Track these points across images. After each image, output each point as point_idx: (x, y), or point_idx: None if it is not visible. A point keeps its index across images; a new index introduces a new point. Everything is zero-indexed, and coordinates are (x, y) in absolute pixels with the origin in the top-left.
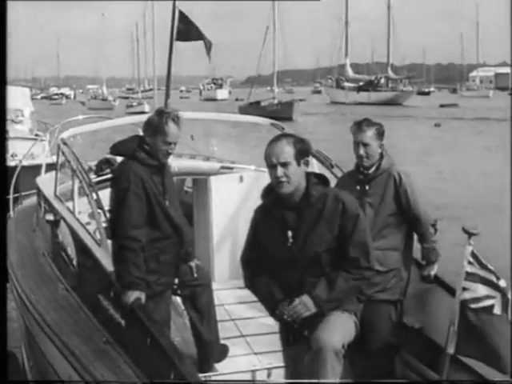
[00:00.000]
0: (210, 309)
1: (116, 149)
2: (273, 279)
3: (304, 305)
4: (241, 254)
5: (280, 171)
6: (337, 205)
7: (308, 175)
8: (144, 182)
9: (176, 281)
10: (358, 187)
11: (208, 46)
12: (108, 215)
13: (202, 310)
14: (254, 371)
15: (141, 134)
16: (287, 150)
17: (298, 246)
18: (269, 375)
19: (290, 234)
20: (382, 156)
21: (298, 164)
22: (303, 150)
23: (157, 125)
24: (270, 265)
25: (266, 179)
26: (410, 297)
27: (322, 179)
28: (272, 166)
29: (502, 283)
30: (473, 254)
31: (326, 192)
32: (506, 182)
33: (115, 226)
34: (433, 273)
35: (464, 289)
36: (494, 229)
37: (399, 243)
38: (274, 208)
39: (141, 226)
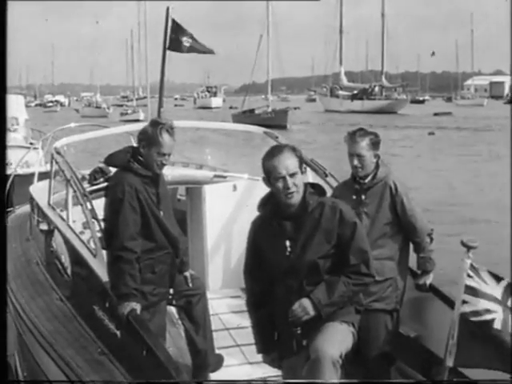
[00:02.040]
0: (205, 318)
1: (110, 160)
2: (271, 290)
3: (303, 308)
4: (243, 268)
5: (290, 182)
6: (334, 213)
7: (304, 185)
8: (138, 193)
9: (171, 291)
10: (354, 197)
11: (203, 50)
12: (102, 225)
13: (196, 320)
14: (249, 381)
15: (134, 143)
16: (293, 161)
17: (296, 255)
18: None
19: (288, 243)
20: (377, 165)
21: (302, 172)
22: (302, 158)
23: (151, 136)
24: (270, 275)
25: (259, 188)
26: (406, 306)
27: (317, 188)
28: (280, 178)
29: (503, 283)
30: (472, 267)
31: (323, 201)
32: (505, 188)
33: (110, 237)
34: (428, 282)
35: (464, 302)
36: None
37: (395, 252)
38: (272, 218)
39: (136, 237)
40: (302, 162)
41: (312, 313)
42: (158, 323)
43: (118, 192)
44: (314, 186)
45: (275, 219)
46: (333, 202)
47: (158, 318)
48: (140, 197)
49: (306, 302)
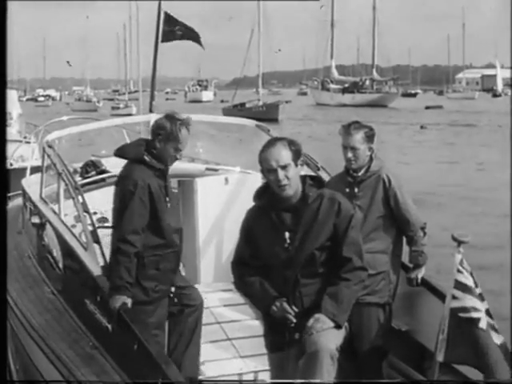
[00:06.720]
0: (194, 332)
1: (122, 151)
2: (265, 280)
3: (322, 322)
4: (233, 257)
5: (281, 174)
6: (332, 205)
7: (303, 177)
8: (150, 187)
9: (173, 289)
10: (348, 190)
11: (197, 39)
12: (94, 219)
13: (183, 332)
14: (240, 374)
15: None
16: (285, 153)
17: (294, 247)
18: (255, 379)
19: (287, 235)
20: (371, 159)
21: (296, 165)
22: (298, 151)
23: (170, 132)
24: (264, 265)
25: (250, 181)
26: (398, 299)
27: (316, 181)
28: (272, 171)
29: (478, 290)
30: (462, 262)
31: (322, 193)
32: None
33: (115, 227)
34: (420, 276)
35: (453, 297)
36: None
37: (388, 246)
38: (271, 209)
39: (139, 231)
40: (297, 155)
41: (331, 324)
42: (158, 319)
43: (129, 184)
44: (312, 178)
45: (274, 210)
46: (331, 193)
47: (158, 314)
48: (152, 191)
49: (322, 317)
